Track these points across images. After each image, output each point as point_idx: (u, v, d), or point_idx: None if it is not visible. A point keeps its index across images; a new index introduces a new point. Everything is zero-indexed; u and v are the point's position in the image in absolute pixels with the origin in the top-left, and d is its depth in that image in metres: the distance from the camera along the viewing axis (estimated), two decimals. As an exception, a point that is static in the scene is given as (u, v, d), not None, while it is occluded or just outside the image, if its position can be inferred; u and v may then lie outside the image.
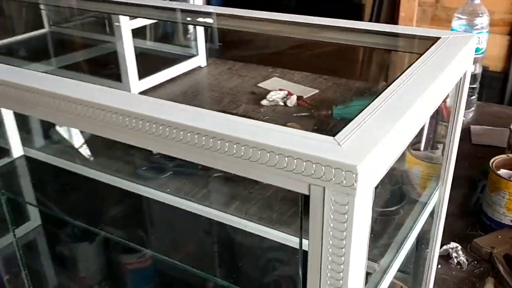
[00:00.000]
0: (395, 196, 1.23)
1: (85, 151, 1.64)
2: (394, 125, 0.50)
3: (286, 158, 0.48)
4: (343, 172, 0.45)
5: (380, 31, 0.87)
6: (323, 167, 0.46)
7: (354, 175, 0.44)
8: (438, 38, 0.74)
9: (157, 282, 1.55)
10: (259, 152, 0.49)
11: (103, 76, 2.08)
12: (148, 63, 2.28)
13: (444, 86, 0.64)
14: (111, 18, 2.20)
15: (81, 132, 1.70)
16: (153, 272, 1.51)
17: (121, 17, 1.88)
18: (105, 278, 1.59)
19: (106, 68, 2.19)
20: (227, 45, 2.48)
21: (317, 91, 2.01)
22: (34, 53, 2.52)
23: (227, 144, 0.51)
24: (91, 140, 1.69)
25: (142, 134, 0.56)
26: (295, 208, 1.30)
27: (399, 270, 1.04)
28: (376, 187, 0.50)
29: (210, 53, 2.35)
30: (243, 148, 0.50)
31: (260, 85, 2.10)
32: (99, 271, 1.59)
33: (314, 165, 0.46)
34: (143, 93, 2.02)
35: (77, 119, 0.61)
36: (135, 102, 0.60)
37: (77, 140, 1.68)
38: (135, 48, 2.11)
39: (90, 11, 2.52)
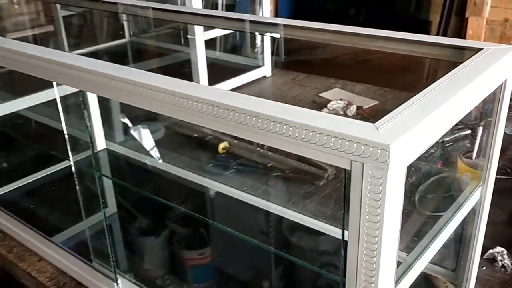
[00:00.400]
0: (446, 202, 1.29)
1: (158, 149, 1.81)
2: (426, 117, 0.60)
3: (333, 139, 0.58)
4: (379, 150, 0.55)
5: (439, 43, 0.95)
6: (362, 146, 0.56)
7: (387, 153, 0.54)
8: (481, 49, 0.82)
9: (216, 280, 1.66)
10: (311, 133, 0.60)
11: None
12: (217, 72, 2.44)
13: (479, 89, 0.72)
14: (185, 29, 2.39)
15: (154, 131, 1.88)
16: (212, 269, 1.62)
17: (196, 29, 2.05)
18: (168, 272, 1.73)
19: (179, 75, 2.37)
20: (292, 57, 2.61)
21: (377, 102, 2.08)
22: (116, 60, 2.77)
23: (291, 128, 0.62)
24: (164, 140, 1.86)
25: (219, 119, 0.69)
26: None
27: (442, 266, 1.11)
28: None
29: (275, 64, 2.49)
30: (304, 131, 0.61)
31: (321, 95, 2.20)
32: (163, 265, 1.71)
33: (355, 145, 0.57)
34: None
35: (164, 106, 0.75)
36: (215, 93, 0.72)
37: (150, 138, 1.85)
38: (206, 58, 2.29)
39: (166, 23, 2.73)
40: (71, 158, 1.21)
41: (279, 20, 1.36)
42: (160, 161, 1.68)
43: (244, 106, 0.66)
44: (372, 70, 2.46)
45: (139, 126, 1.78)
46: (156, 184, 1.68)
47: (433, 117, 0.61)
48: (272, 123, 0.64)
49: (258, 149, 1.71)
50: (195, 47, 2.07)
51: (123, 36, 2.95)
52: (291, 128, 0.62)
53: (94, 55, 2.71)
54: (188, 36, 2.13)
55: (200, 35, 2.07)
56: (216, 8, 3.44)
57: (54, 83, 1.00)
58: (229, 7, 3.93)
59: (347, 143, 0.57)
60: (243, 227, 1.30)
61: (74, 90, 0.94)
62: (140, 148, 1.75)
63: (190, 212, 1.47)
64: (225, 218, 1.48)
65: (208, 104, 0.69)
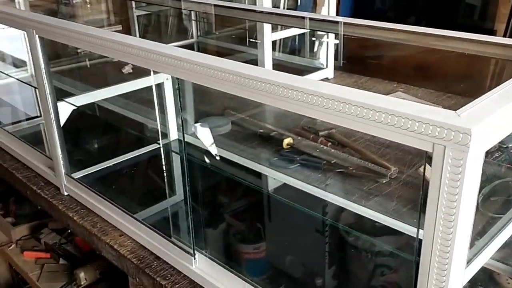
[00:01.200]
0: (508, 205, 1.30)
1: (225, 142, 1.90)
2: (505, 105, 0.64)
3: (417, 123, 0.64)
4: (461, 134, 0.60)
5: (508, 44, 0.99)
6: (445, 130, 0.62)
7: (469, 137, 0.60)
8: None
9: (270, 274, 1.72)
10: (397, 118, 0.66)
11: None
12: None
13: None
14: (251, 30, 2.49)
15: (221, 125, 1.98)
16: (267, 264, 1.67)
17: (263, 29, 2.13)
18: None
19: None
20: (355, 59, 2.65)
21: (439, 107, 2.09)
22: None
23: (377, 113, 0.68)
24: (230, 134, 1.96)
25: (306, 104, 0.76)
26: (411, 205, 1.42)
27: (505, 263, 1.13)
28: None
29: (337, 66, 2.54)
30: (390, 116, 0.67)
31: (384, 98, 2.23)
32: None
33: (438, 129, 0.62)
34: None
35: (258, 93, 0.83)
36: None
37: (209, 135, 1.94)
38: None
39: (233, 23, 2.84)
40: (160, 142, 1.32)
41: (340, 18, 1.42)
42: (217, 157, 1.77)
43: (336, 93, 0.73)
44: (436, 75, 2.47)
45: (200, 122, 1.87)
46: (219, 176, 1.78)
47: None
48: (359, 109, 0.70)
49: (322, 146, 1.77)
50: (263, 47, 2.15)
51: (191, 36, 3.09)
52: (377, 114, 0.68)
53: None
54: (252, 40, 2.22)
55: (268, 36, 2.15)
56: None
57: (152, 72, 1.10)
58: (290, 10, 4.02)
59: (430, 127, 0.63)
60: (304, 221, 1.37)
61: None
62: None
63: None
64: (286, 212, 1.54)
65: (303, 92, 0.77)
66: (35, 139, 2.17)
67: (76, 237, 2.04)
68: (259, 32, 2.19)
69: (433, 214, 0.66)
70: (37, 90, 1.44)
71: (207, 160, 1.63)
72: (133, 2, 2.87)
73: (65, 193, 1.53)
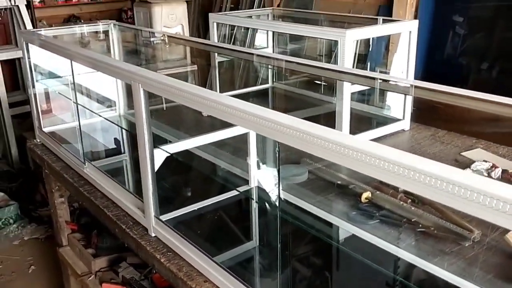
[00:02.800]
0: None
1: (304, 191, 1.94)
2: None
3: (495, 201, 0.67)
4: None
5: None
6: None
7: None
8: None
9: None
10: (489, 199, 0.68)
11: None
12: (356, 122, 2.55)
13: None
14: (328, 80, 2.55)
15: (298, 174, 2.02)
16: None
17: (344, 87, 2.18)
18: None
19: (320, 122, 2.52)
20: (432, 112, 2.63)
21: (521, 171, 2.03)
22: (259, 103, 3.03)
23: (451, 186, 0.71)
24: (307, 183, 1.99)
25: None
26: (495, 272, 1.39)
27: None
28: None
29: (414, 118, 2.53)
30: (482, 196, 0.69)
31: (463, 154, 2.20)
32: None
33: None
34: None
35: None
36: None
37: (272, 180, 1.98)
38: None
39: (305, 73, 2.93)
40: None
41: (411, 82, 1.44)
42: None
43: (412, 163, 0.77)
44: (518, 134, 2.41)
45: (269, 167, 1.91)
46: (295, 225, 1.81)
47: None
48: (434, 180, 0.74)
49: (401, 203, 1.77)
50: (342, 98, 2.20)
51: (266, 82, 3.20)
52: (451, 186, 0.71)
53: (243, 97, 2.98)
54: (336, 86, 2.26)
55: (347, 87, 2.20)
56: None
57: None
58: (362, 56, 4.06)
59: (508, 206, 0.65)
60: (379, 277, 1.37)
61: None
62: (287, 187, 1.89)
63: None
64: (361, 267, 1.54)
65: (385, 161, 0.80)
66: (118, 174, 2.31)
67: (154, 274, 2.13)
68: (338, 90, 2.23)
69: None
70: (125, 131, 1.55)
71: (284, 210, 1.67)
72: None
73: (153, 234, 1.62)
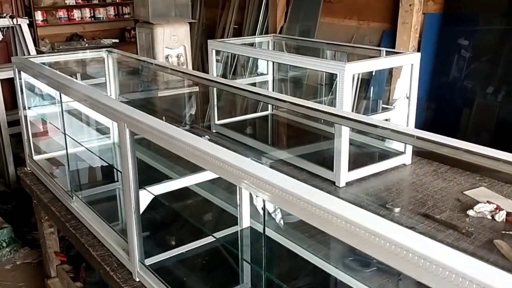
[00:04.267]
0: None
1: (297, 234, 1.85)
2: None
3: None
4: None
5: None
6: None
7: None
8: None
9: None
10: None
11: (316, 162, 2.33)
12: (357, 156, 2.47)
13: None
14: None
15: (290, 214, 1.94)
16: None
17: (343, 127, 2.10)
18: None
19: (319, 156, 2.46)
20: (434, 146, 2.55)
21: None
22: (257, 130, 2.98)
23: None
24: (302, 224, 1.91)
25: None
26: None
27: None
28: None
29: (416, 152, 2.45)
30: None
31: (466, 192, 2.12)
32: None
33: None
34: (350, 183, 2.21)
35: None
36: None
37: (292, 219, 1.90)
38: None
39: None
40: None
41: (417, 132, 1.37)
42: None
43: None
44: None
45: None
46: (288, 266, 1.73)
47: None
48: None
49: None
50: (340, 134, 2.13)
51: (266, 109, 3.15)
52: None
53: (241, 124, 2.94)
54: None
55: (345, 132, 2.11)
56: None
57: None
58: (364, 81, 4.00)
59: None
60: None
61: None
62: (279, 229, 1.81)
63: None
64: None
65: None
66: (110, 206, 2.23)
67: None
68: (337, 132, 2.16)
69: None
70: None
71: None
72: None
73: (137, 279, 1.54)
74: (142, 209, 1.48)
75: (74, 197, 1.96)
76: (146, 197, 1.47)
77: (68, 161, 1.99)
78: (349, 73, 2.04)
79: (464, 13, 3.67)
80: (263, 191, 0.95)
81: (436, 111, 3.74)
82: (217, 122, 2.93)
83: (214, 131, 2.93)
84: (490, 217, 1.90)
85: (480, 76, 3.75)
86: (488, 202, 1.99)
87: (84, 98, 1.61)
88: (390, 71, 3.94)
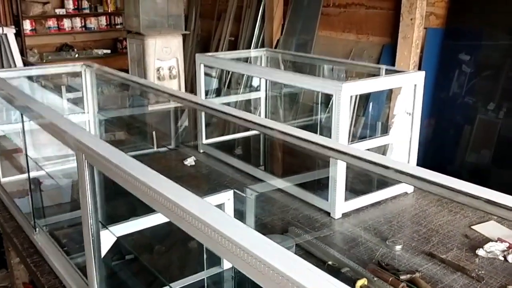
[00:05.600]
0: None
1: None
2: None
3: None
4: None
5: None
6: None
7: None
8: None
9: None
10: None
11: (310, 190, 2.13)
12: (354, 183, 2.27)
13: None
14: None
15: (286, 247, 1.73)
16: None
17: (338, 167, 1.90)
18: None
19: (313, 184, 2.25)
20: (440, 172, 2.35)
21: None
22: (247, 151, 2.79)
23: None
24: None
25: None
26: None
27: None
28: None
29: (420, 182, 2.25)
30: None
31: (474, 227, 1.92)
32: None
33: None
34: (347, 214, 2.01)
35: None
36: None
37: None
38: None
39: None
40: None
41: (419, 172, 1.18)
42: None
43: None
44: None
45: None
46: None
47: None
48: None
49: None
50: (336, 164, 1.93)
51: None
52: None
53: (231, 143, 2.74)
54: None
55: (342, 167, 1.92)
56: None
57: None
58: (363, 97, 3.81)
59: None
60: None
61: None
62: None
63: None
64: None
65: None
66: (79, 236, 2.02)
67: None
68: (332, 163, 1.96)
69: None
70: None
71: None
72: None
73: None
74: (104, 252, 1.27)
75: (37, 229, 1.75)
76: (108, 239, 1.27)
77: (30, 186, 1.78)
78: (346, 94, 1.85)
79: (467, 28, 3.52)
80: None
81: (437, 127, 3.57)
82: (204, 141, 2.74)
83: (201, 151, 2.73)
84: (502, 258, 1.70)
85: (481, 92, 3.58)
86: (500, 240, 1.79)
87: (38, 118, 1.40)
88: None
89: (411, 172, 1.18)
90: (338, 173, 1.88)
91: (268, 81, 2.88)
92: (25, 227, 1.84)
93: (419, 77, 2.09)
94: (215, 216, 0.83)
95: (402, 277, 1.54)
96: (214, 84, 4.76)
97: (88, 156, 1.17)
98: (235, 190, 1.58)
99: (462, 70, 3.61)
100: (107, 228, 1.27)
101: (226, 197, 1.43)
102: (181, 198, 0.89)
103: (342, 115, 1.89)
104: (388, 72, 2.22)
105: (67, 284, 1.51)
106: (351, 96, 1.92)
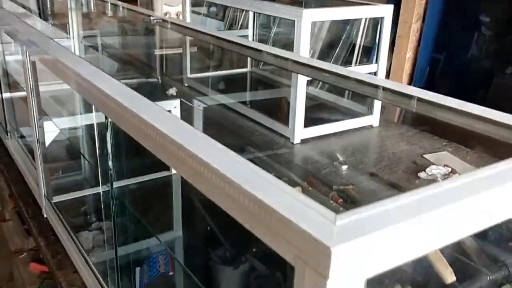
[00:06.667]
0: None
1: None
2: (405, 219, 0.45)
3: (281, 223, 0.47)
4: (320, 253, 0.42)
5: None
6: (307, 243, 0.44)
7: (328, 259, 0.42)
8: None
9: None
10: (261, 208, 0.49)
11: (273, 117, 2.21)
12: (322, 113, 2.34)
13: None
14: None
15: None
16: None
17: (299, 76, 1.95)
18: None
19: (280, 109, 2.34)
20: (407, 110, 2.40)
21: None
22: (235, 86, 2.88)
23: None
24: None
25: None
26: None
27: None
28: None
29: (386, 115, 2.31)
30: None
31: (426, 156, 1.98)
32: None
33: (302, 239, 0.45)
34: (306, 141, 2.09)
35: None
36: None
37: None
38: (312, 96, 2.20)
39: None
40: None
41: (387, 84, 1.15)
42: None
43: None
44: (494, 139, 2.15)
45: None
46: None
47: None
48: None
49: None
50: (296, 85, 2.00)
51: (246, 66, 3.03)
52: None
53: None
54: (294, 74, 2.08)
55: (302, 82, 1.98)
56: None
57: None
58: (367, 49, 3.80)
59: (294, 234, 0.46)
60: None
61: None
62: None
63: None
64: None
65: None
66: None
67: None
68: (293, 82, 2.03)
69: None
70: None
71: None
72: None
73: (45, 215, 1.48)
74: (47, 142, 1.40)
75: (9, 134, 1.90)
76: (51, 129, 1.40)
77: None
78: (307, 21, 1.90)
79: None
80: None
81: (432, 76, 3.56)
82: (189, 75, 2.83)
83: (186, 84, 2.83)
84: (441, 181, 1.76)
85: (498, 55, 3.54)
86: (445, 165, 1.86)
87: None
88: (393, 40, 3.77)
89: (379, 83, 1.16)
90: (298, 91, 1.95)
91: (255, 18, 2.94)
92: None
93: (387, 10, 2.12)
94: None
95: (335, 187, 1.64)
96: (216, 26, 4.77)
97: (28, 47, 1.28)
98: (182, 99, 1.68)
99: (468, 25, 3.52)
100: (50, 119, 1.40)
101: (173, 105, 1.53)
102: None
103: (303, 43, 1.95)
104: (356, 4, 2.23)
105: (29, 182, 1.67)
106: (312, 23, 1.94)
